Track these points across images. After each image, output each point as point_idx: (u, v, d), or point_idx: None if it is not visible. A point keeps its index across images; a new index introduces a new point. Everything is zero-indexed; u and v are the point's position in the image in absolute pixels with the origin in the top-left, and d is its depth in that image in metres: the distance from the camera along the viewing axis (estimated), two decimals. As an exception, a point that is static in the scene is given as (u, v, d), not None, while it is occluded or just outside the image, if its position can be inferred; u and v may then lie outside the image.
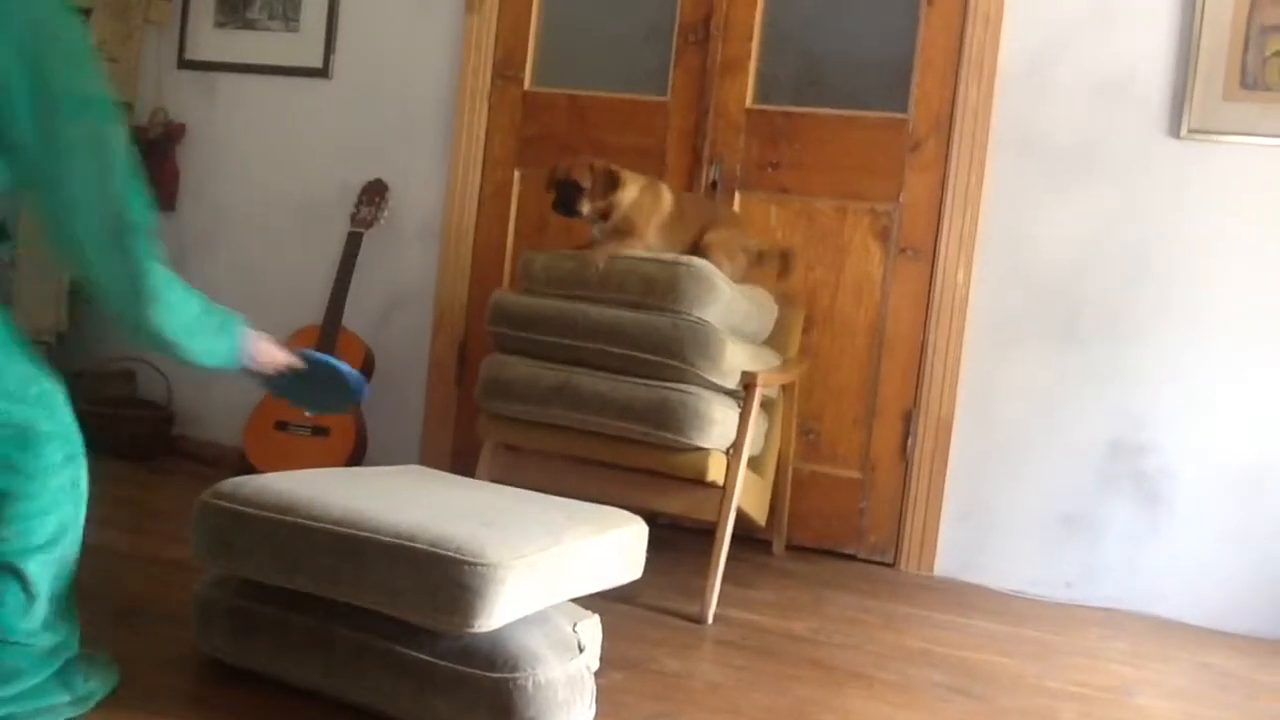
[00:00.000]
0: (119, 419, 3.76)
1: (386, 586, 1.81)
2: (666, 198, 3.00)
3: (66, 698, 1.77)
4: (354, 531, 1.84)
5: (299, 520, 1.89)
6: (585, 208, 2.94)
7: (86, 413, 3.71)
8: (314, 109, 3.89)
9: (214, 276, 4.01)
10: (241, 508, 1.96)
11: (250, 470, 3.35)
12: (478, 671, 1.80)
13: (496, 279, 3.66)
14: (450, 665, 1.82)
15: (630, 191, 2.94)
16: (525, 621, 1.87)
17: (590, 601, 2.12)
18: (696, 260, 2.77)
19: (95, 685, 1.83)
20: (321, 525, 1.87)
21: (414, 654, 1.84)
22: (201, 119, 4.02)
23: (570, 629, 1.98)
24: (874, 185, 3.34)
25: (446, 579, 1.75)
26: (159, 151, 4.00)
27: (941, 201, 3.28)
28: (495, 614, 1.76)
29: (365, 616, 1.87)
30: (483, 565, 1.75)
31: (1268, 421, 3.05)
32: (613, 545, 2.11)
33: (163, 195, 4.02)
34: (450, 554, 1.76)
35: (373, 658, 1.87)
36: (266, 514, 1.92)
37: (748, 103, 3.46)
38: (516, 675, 1.79)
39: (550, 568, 1.89)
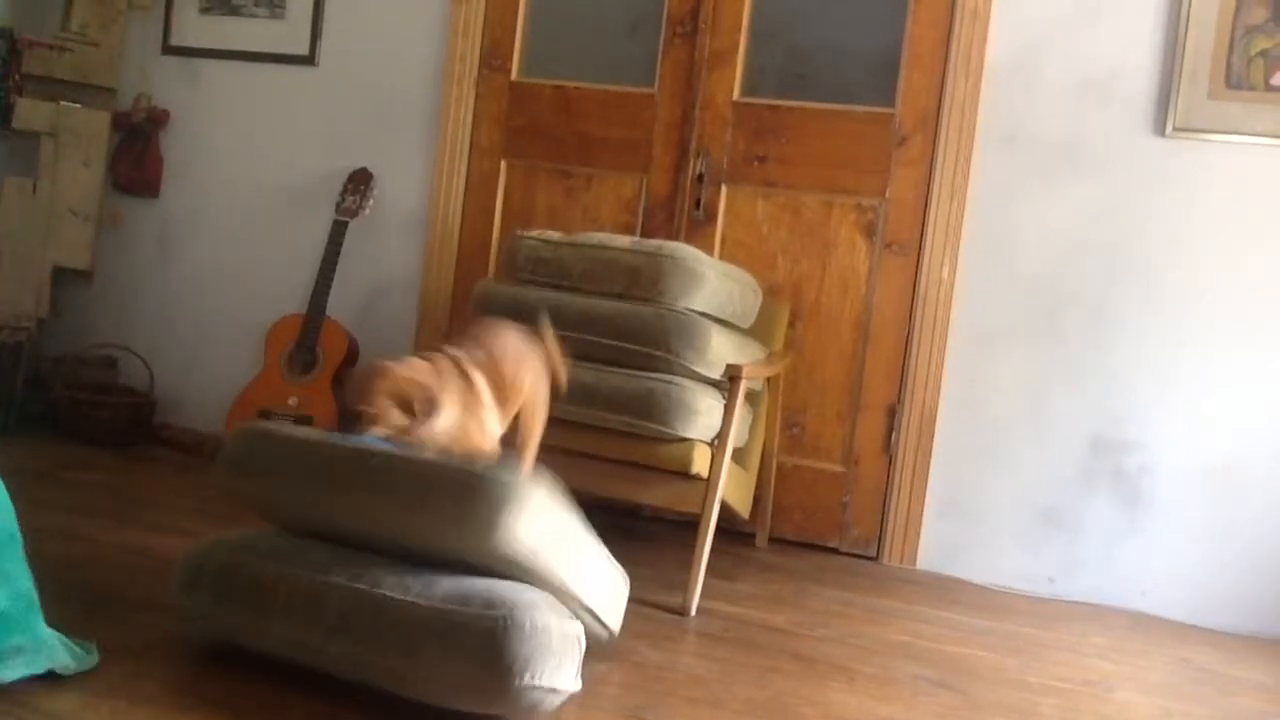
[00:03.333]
0: (100, 406, 3.73)
1: (408, 499, 1.89)
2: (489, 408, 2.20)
3: (44, 664, 1.76)
4: (371, 460, 1.95)
5: (314, 455, 2.00)
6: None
7: (67, 399, 3.72)
8: (299, 97, 3.86)
9: (197, 264, 4.00)
10: (271, 429, 2.10)
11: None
12: (473, 610, 1.81)
13: (482, 269, 3.65)
14: (446, 607, 1.82)
15: (449, 416, 2.07)
16: (522, 585, 1.91)
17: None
18: (681, 249, 2.76)
19: (68, 661, 1.82)
20: (336, 452, 1.99)
21: (408, 600, 1.84)
22: (186, 105, 3.99)
23: (565, 609, 1.99)
24: (860, 179, 3.34)
25: (472, 493, 1.84)
26: (143, 137, 3.98)
27: (927, 196, 3.28)
28: (517, 526, 1.83)
29: (361, 562, 1.92)
30: (509, 482, 1.86)
31: (1247, 420, 3.07)
32: (605, 572, 2.14)
33: (146, 182, 4.00)
34: (477, 470, 1.87)
35: (364, 616, 1.86)
36: (294, 435, 2.07)
37: (735, 95, 3.46)
38: (514, 612, 1.80)
39: (561, 526, 1.97)
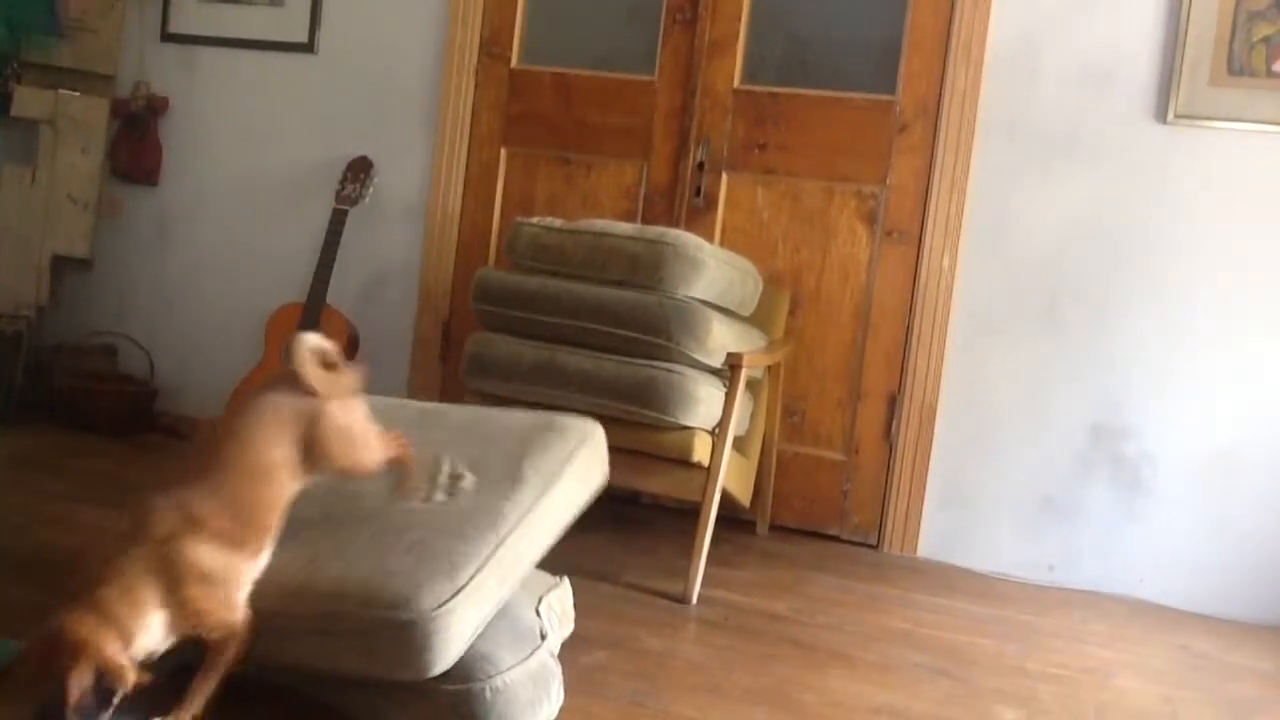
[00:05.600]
0: (99, 394, 3.73)
1: (326, 655, 1.71)
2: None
3: None
4: (279, 609, 1.71)
5: None
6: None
7: (67, 388, 3.72)
8: (298, 84, 3.85)
9: (197, 252, 3.99)
10: None
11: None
12: (432, 684, 1.70)
13: (482, 257, 3.65)
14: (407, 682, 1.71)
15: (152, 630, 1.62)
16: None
17: (571, 581, 2.12)
18: (682, 237, 2.76)
19: None
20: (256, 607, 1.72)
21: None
22: (185, 93, 3.98)
23: (533, 612, 1.94)
24: (861, 167, 3.34)
25: (384, 642, 1.64)
26: (141, 125, 3.97)
27: (928, 185, 3.27)
28: (446, 654, 1.66)
29: None
30: (420, 619, 1.62)
31: (1246, 408, 3.07)
32: (566, 491, 1.99)
33: (145, 169, 3.99)
34: (383, 616, 1.63)
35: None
36: None
37: (735, 83, 3.45)
38: (472, 685, 1.71)
39: (497, 569, 1.77)
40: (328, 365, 1.85)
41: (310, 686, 1.85)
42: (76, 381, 3.73)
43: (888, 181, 3.31)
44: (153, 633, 1.61)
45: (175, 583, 1.63)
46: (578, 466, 2.05)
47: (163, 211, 4.02)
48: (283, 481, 1.77)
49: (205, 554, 1.66)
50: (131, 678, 1.55)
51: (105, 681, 1.52)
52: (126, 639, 1.57)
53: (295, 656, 1.74)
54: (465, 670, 1.72)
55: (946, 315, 3.26)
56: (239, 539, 1.70)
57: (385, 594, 1.65)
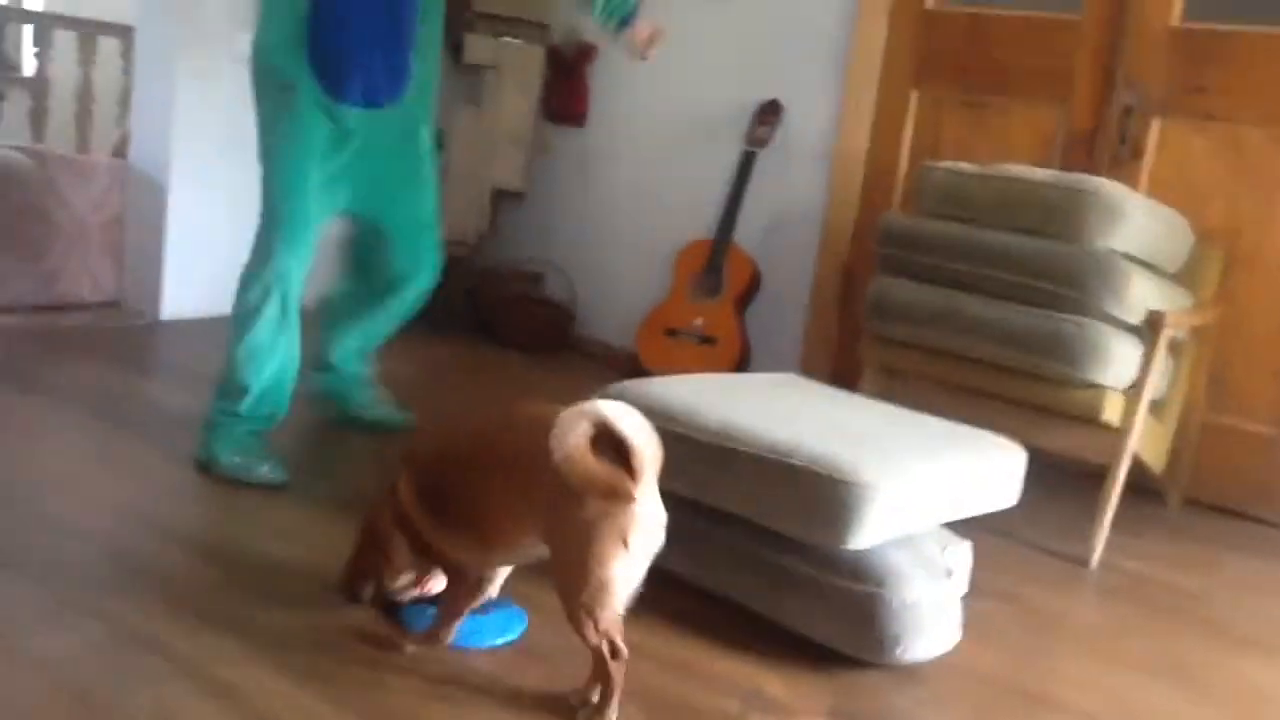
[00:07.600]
0: (524, 315, 4.11)
1: (759, 498, 1.88)
2: None
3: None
4: (729, 445, 1.92)
5: (678, 430, 1.95)
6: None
7: (496, 306, 4.12)
8: (713, 28, 3.97)
9: (616, 189, 4.26)
10: None
11: (640, 371, 3.57)
12: (843, 583, 1.83)
13: (887, 201, 3.63)
14: (816, 574, 1.86)
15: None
16: (894, 541, 1.89)
17: (968, 529, 2.11)
18: (1104, 184, 2.61)
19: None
20: (698, 436, 1.96)
21: (780, 560, 1.90)
22: (611, 39, 4.21)
23: (939, 552, 1.98)
24: (1320, 112, 2.99)
25: (819, 495, 1.79)
26: (573, 72, 4.26)
27: (1405, 132, 2.88)
28: (865, 533, 1.79)
29: (736, 519, 1.95)
30: (856, 484, 1.77)
31: None
32: (988, 472, 2.07)
33: (574, 112, 4.29)
34: (825, 471, 1.79)
35: (741, 557, 1.96)
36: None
37: (1174, 20, 3.18)
38: (881, 590, 1.81)
39: (922, 491, 1.89)
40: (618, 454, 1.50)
41: (712, 576, 1.98)
42: (505, 302, 4.13)
43: (1354, 129, 2.95)
44: (409, 568, 1.80)
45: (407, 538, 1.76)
46: (998, 463, 2.13)
47: (587, 150, 4.31)
48: (508, 532, 1.69)
49: (429, 529, 1.72)
50: (405, 596, 1.81)
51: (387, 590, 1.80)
52: (393, 569, 1.79)
53: (733, 495, 1.92)
54: (877, 576, 1.81)
55: None
56: (462, 538, 1.72)
57: (829, 457, 1.82)
